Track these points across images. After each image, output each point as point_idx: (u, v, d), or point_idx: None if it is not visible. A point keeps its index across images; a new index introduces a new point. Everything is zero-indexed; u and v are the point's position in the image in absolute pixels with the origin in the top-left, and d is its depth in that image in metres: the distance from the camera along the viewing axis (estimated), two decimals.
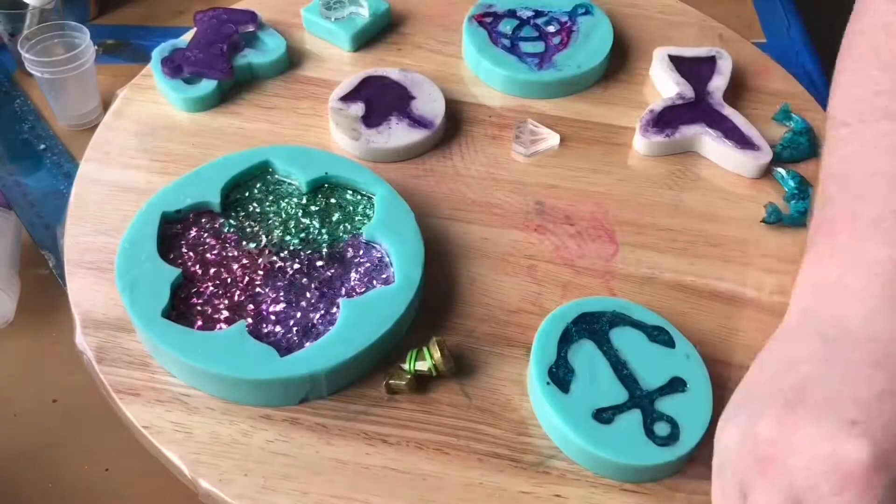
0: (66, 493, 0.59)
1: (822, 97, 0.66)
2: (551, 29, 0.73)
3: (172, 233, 0.57)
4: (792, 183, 0.64)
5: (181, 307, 0.53)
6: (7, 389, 0.64)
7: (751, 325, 0.57)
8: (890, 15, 0.42)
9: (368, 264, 0.56)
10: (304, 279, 0.55)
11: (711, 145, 0.66)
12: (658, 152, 0.67)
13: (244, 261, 0.56)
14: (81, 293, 0.56)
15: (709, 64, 0.71)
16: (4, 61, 0.88)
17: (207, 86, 0.67)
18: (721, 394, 0.51)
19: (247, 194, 0.59)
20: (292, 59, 0.72)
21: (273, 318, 0.53)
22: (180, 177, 0.59)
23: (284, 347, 0.51)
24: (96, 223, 0.60)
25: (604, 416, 0.49)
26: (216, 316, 0.53)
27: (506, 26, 0.73)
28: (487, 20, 0.73)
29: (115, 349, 0.53)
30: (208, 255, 0.56)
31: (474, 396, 0.52)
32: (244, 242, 0.57)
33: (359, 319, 0.52)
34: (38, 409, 0.63)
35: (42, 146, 0.76)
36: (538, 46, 0.71)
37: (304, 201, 0.59)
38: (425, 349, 0.52)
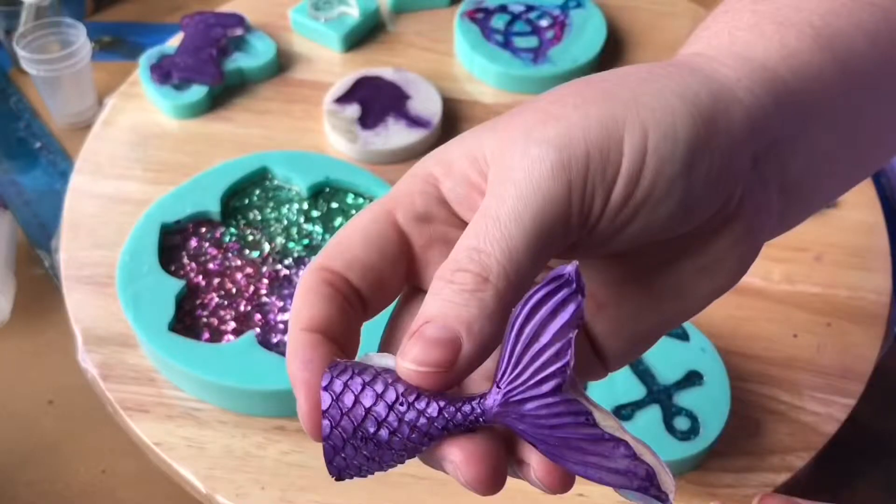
0: (63, 494, 0.58)
1: None
2: (544, 23, 0.72)
3: (172, 244, 0.56)
4: None
5: (187, 320, 0.52)
6: (2, 390, 0.63)
7: (760, 315, 0.56)
8: None
9: None
10: None
11: None
12: None
13: (248, 270, 0.55)
14: (81, 309, 0.55)
15: None
16: (0, 59, 0.86)
17: (198, 91, 0.66)
18: (737, 385, 0.51)
19: (246, 202, 0.58)
20: (282, 62, 0.71)
21: (282, 327, 0.52)
22: (176, 186, 0.58)
23: None
24: (92, 237, 0.59)
25: (623, 412, 0.49)
26: (223, 327, 0.52)
27: (498, 22, 0.72)
28: (479, 16, 0.72)
29: (119, 365, 0.52)
30: (210, 266, 0.55)
31: None
32: (247, 251, 0.56)
33: (370, 324, 0.51)
34: (34, 410, 0.62)
35: (38, 144, 0.74)
36: (532, 41, 0.71)
37: (306, 207, 0.58)
38: None
